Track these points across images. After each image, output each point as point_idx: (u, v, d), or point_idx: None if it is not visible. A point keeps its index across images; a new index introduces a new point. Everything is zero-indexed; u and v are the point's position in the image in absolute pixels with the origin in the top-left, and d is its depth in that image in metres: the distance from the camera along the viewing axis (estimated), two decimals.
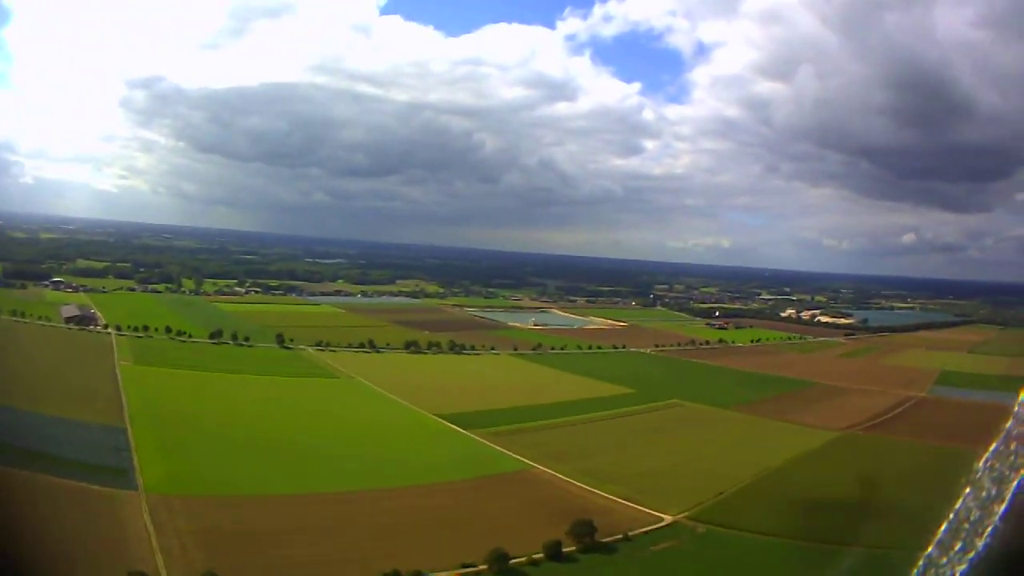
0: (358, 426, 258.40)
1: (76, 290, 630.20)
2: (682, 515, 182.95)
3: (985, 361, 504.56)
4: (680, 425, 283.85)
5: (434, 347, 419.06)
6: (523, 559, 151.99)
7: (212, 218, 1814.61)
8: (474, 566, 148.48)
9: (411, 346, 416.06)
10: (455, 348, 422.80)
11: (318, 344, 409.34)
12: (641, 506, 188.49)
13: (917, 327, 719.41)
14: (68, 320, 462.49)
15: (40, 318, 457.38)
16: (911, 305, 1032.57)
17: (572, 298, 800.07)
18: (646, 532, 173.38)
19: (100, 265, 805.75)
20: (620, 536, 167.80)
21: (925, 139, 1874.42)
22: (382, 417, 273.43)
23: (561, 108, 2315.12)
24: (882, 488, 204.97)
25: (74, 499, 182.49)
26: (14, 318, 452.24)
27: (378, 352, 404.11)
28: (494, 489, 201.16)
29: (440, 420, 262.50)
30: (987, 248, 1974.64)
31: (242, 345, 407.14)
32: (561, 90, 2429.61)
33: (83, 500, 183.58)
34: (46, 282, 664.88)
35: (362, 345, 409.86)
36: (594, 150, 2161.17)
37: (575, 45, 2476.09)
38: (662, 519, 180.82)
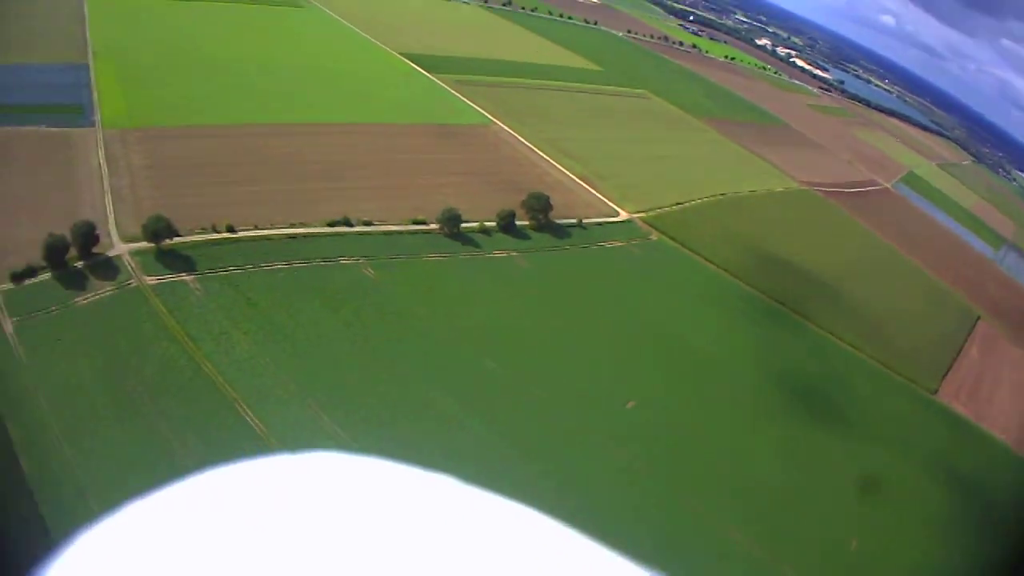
0: (322, 59, 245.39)
1: None
2: (638, 215, 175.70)
3: (950, 183, 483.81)
4: (646, 118, 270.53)
5: None
6: (475, 224, 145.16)
7: None
8: (425, 223, 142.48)
9: None
10: None
11: None
12: (599, 192, 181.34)
13: (893, 113, 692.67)
14: None
15: None
16: (889, 88, 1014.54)
17: None
18: (600, 224, 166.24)
19: None
20: (574, 221, 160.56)
21: None
22: (345, 50, 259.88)
23: None
24: (823, 266, 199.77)
25: (29, 145, 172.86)
26: None
27: None
28: (453, 140, 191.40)
29: (404, 60, 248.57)
30: (968, 71, 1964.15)
31: None
32: None
33: (38, 144, 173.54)
34: None
35: None
36: None
37: None
38: (617, 214, 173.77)
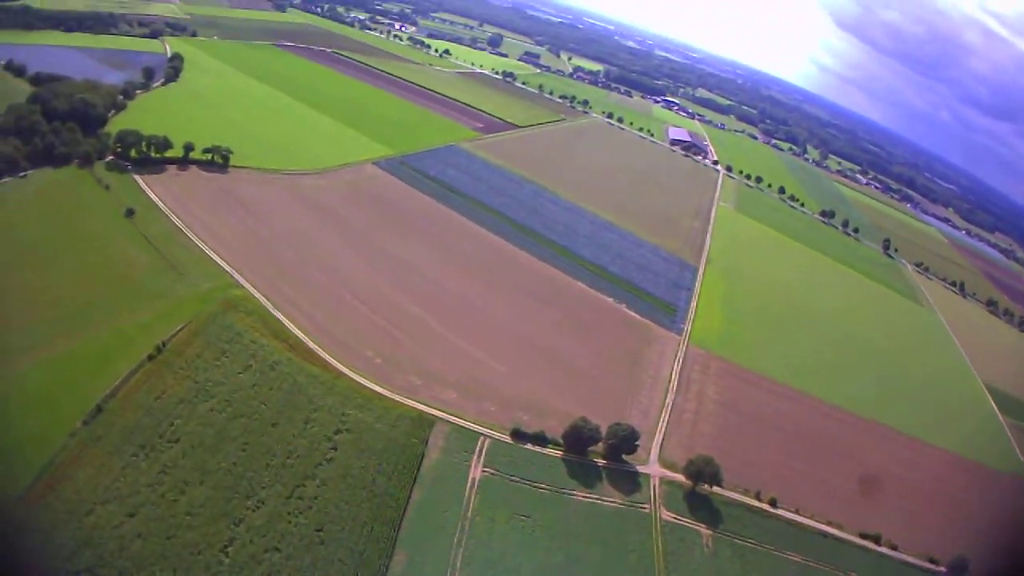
0: (914, 366, 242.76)
1: (691, 116, 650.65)
2: None
3: None
4: None
5: (1007, 316, 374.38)
6: None
7: (844, 96, 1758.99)
8: (936, 563, 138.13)
9: (991, 305, 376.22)
10: None
11: (917, 265, 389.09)
12: None
13: None
14: (674, 143, 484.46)
15: (641, 130, 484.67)
16: None
17: None
18: None
19: (724, 102, 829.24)
20: None
21: None
22: (939, 362, 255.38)
23: None
24: None
25: (610, 319, 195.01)
26: (609, 121, 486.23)
27: (963, 296, 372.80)
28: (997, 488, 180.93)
29: (987, 391, 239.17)
30: None
31: (849, 235, 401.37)
32: None
33: (619, 323, 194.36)
34: (658, 99, 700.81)
35: (953, 284, 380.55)
36: None
37: None
38: None
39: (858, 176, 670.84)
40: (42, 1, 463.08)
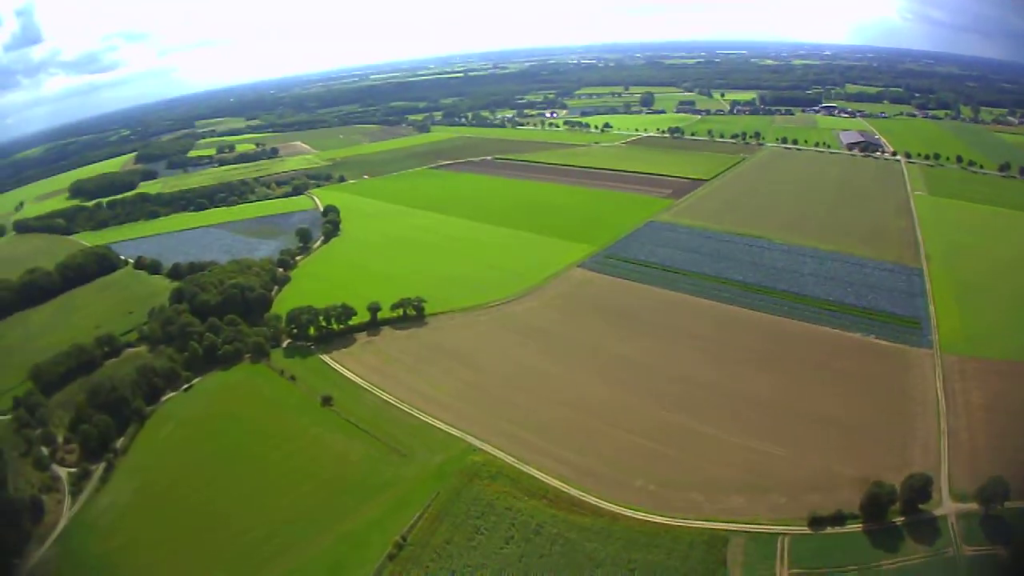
0: None
1: (852, 115, 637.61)
2: None
3: None
4: None
5: None
6: None
7: (963, 46, 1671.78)
8: None
9: None
10: None
11: None
12: None
13: None
14: (851, 146, 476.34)
15: (817, 144, 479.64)
16: None
17: None
18: None
19: (872, 90, 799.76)
20: None
21: None
22: None
23: None
24: None
25: (861, 356, 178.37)
26: (785, 146, 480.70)
27: None
28: None
29: None
30: None
31: None
32: None
33: (870, 358, 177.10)
34: (816, 108, 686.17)
35: None
36: None
37: None
38: None
39: (1009, 119, 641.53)
40: (163, 185, 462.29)
